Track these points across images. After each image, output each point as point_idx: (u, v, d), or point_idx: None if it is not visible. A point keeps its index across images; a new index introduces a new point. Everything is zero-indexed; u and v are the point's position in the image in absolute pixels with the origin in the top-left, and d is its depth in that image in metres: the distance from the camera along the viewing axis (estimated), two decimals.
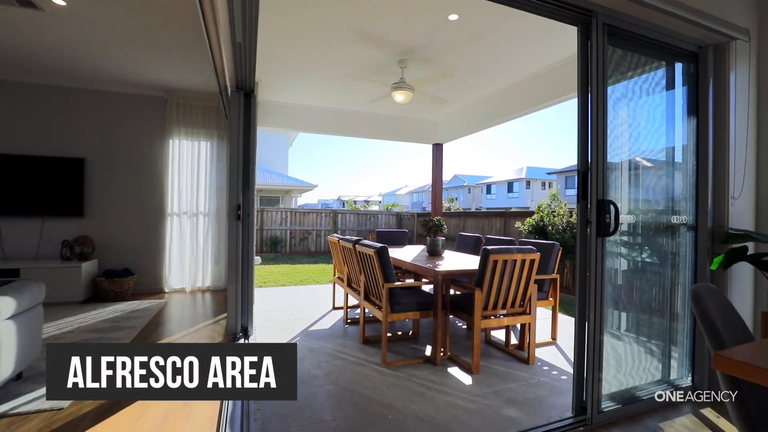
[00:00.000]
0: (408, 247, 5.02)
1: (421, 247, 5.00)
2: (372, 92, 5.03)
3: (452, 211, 15.40)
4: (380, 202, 45.04)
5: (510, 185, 34.04)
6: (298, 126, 6.04)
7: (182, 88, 5.07)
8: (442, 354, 3.11)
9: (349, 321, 4.13)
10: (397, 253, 4.13)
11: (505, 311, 3.01)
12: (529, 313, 3.08)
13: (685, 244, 2.34)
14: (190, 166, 5.25)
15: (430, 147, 6.87)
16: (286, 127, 6.12)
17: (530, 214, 7.80)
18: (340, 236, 4.12)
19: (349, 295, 4.08)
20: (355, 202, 35.36)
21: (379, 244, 3.05)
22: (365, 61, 4.12)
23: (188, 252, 5.21)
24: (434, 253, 4.04)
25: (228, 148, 3.28)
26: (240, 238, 3.23)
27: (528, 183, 32.75)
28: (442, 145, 6.74)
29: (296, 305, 4.92)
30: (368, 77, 4.41)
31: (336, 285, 4.73)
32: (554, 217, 6.97)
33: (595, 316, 1.91)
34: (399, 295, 3.06)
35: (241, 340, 3.18)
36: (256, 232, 11.94)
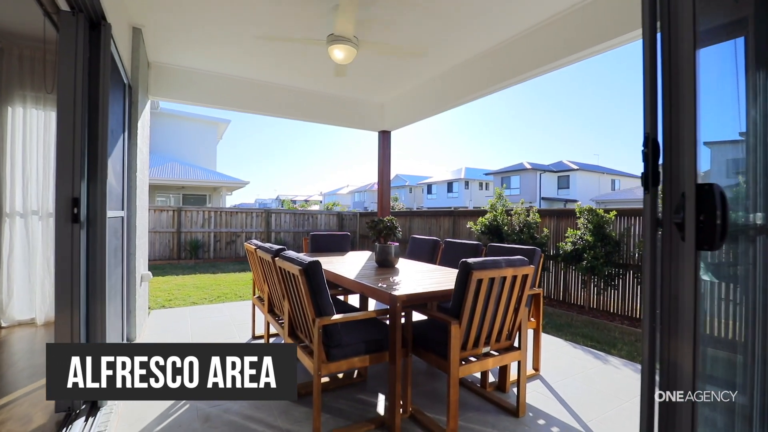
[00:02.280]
0: (351, 254, 4.01)
1: (368, 253, 4.03)
2: (305, 52, 3.96)
3: (396, 210, 14.67)
4: (321, 201, 43.36)
5: (450, 185, 34.55)
6: (209, 100, 4.67)
7: (27, 32, 3.53)
8: (402, 412, 2.17)
9: None
10: (337, 264, 3.12)
11: (489, 348, 2.15)
12: (519, 348, 2.25)
13: (753, 255, 1.63)
14: (42, 146, 3.70)
15: (376, 136, 5.92)
16: (192, 101, 4.69)
17: (480, 213, 7.20)
18: (258, 243, 3.00)
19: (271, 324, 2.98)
20: (293, 201, 33.28)
21: (309, 258, 2.01)
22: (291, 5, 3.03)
23: (40, 267, 3.67)
24: (386, 263, 3.09)
25: (58, 108, 2.00)
26: (80, 251, 1.98)
27: (467, 183, 33.47)
28: (389, 132, 5.82)
29: (203, 334, 3.67)
30: (297, 21, 3.33)
31: (256, 307, 3.57)
32: (509, 216, 6.42)
33: (694, 371, 1.05)
34: (338, 333, 2.05)
35: (81, 419, 1.93)
36: (172, 235, 10.10)
